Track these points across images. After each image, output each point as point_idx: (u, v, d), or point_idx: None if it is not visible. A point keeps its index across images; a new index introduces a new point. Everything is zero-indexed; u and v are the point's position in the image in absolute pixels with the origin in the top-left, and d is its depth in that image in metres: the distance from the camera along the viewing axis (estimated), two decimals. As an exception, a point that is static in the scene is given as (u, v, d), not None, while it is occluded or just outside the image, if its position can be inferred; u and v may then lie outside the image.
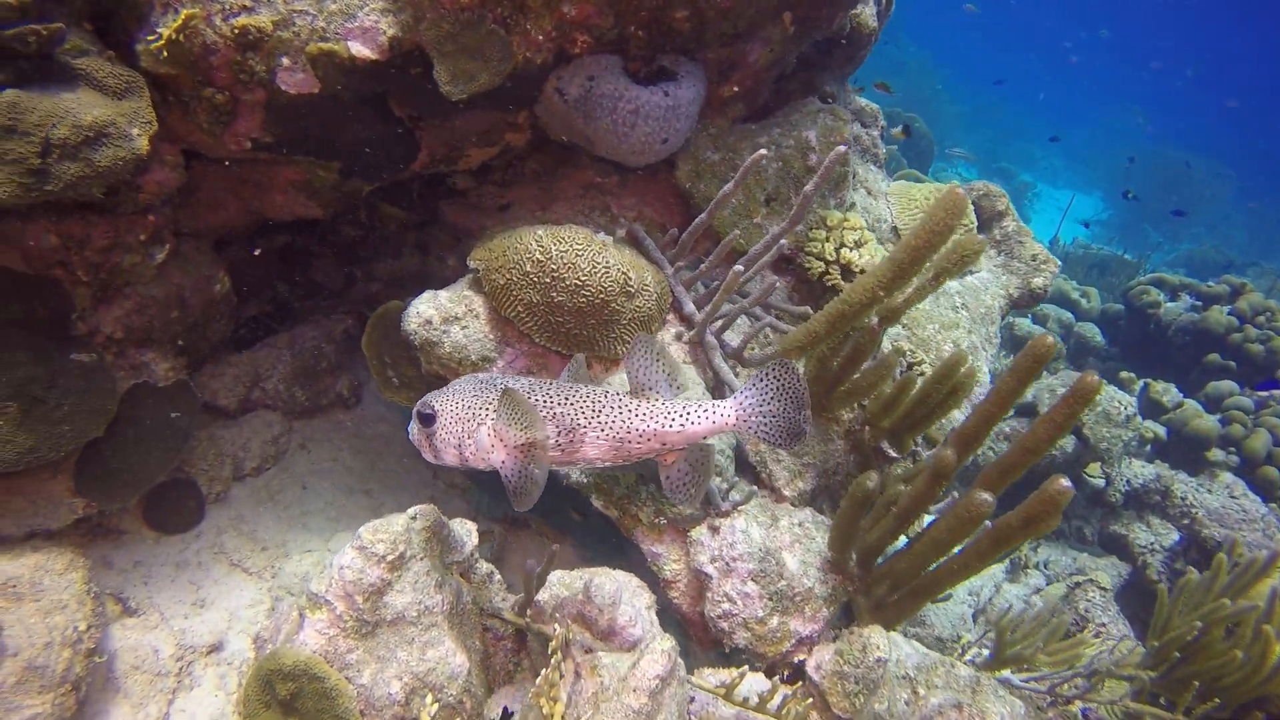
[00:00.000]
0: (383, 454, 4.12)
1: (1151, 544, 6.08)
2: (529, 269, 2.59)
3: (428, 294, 2.83)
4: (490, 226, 3.67)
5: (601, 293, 2.59)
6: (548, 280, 2.57)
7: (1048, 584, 6.09)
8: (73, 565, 2.75)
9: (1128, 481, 6.31)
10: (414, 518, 2.37)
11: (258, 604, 3.23)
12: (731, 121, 3.53)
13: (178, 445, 3.07)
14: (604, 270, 2.59)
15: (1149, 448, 7.07)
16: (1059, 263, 4.29)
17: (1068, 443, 6.31)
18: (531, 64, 2.73)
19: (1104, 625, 4.68)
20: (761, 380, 1.88)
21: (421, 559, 2.32)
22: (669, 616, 2.85)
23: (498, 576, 2.71)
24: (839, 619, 2.79)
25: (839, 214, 3.38)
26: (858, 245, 3.28)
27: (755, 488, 2.78)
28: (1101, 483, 6.38)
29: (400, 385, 3.24)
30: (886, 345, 3.72)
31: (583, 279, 2.57)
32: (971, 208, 4.35)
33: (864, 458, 3.07)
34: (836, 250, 3.26)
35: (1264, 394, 7.48)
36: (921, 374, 3.73)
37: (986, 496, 2.17)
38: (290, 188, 3.21)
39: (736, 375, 2.88)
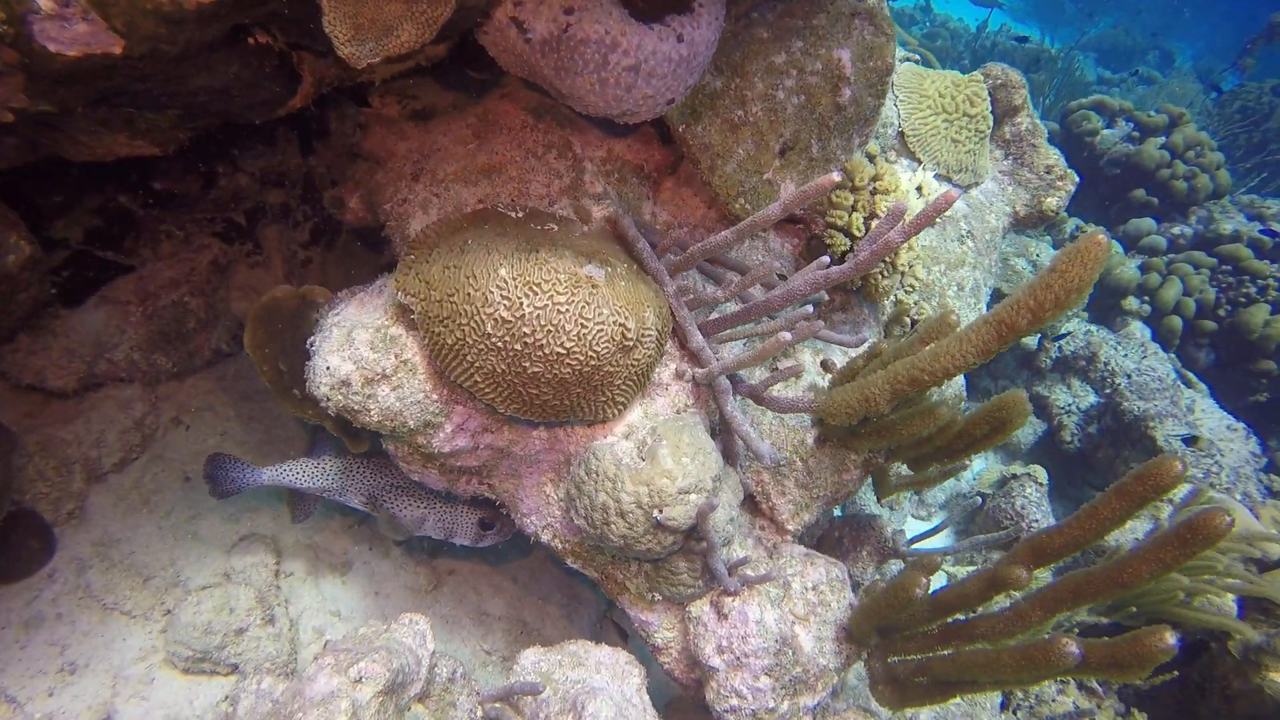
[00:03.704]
0: (280, 414, 3.36)
1: (1069, 405, 6.21)
2: (490, 330, 1.81)
3: (338, 335, 1.99)
4: (401, 153, 2.69)
5: (594, 359, 1.87)
6: (519, 348, 1.81)
7: (985, 467, 6.19)
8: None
9: (1060, 348, 6.31)
10: (359, 681, 1.81)
11: (150, 654, 2.64)
12: (735, 20, 2.57)
13: (-4, 503, 2.27)
14: (596, 328, 1.85)
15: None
16: (1076, 179, 3.71)
17: (1011, 316, 6.12)
18: (476, -9, 1.72)
19: (1037, 522, 4.78)
20: None
21: (375, 736, 1.80)
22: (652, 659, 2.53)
23: (460, 673, 2.24)
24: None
25: (869, 166, 2.63)
26: (891, 215, 2.59)
27: (773, 571, 2.33)
28: (1033, 345, 6.38)
29: (305, 400, 2.47)
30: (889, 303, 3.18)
31: (568, 345, 1.82)
32: (988, 102, 3.62)
33: (880, 484, 2.66)
34: (865, 222, 2.56)
35: (1176, 231, 7.60)
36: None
37: (1074, 650, 1.81)
38: (101, 128, 2.13)
39: (753, 423, 2.30)
